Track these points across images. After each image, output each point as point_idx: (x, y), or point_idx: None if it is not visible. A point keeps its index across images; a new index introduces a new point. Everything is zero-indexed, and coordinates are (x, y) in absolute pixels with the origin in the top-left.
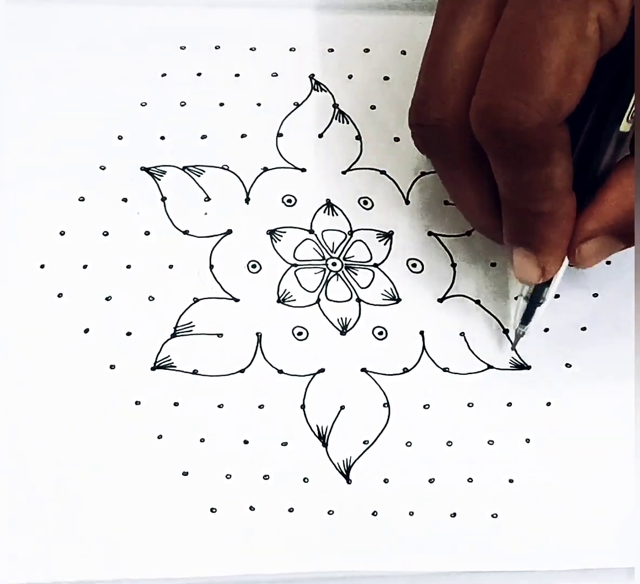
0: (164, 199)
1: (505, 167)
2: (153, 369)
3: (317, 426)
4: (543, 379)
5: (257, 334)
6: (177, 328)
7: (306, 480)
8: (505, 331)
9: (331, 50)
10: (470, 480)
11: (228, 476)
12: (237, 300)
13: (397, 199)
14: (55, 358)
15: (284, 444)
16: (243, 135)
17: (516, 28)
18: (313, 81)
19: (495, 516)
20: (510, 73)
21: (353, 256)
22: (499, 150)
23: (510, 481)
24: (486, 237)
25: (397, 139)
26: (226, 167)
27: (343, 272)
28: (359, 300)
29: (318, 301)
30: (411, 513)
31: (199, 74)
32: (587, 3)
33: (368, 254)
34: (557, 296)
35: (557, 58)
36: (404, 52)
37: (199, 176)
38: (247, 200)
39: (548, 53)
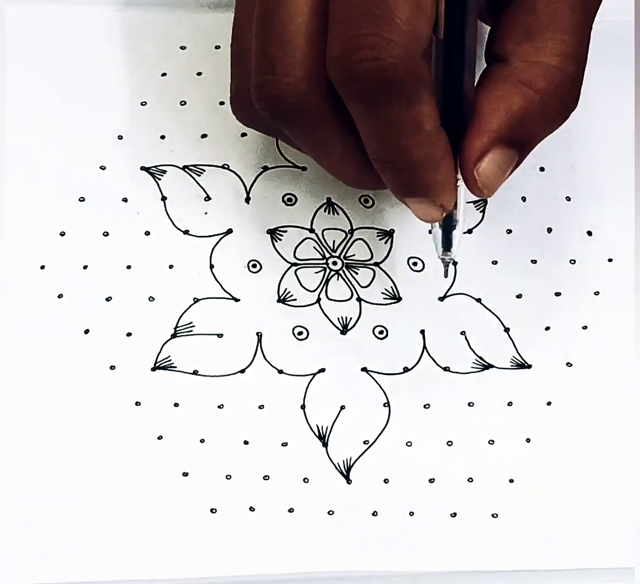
0: (164, 198)
1: (371, 115)
2: (153, 369)
3: (317, 426)
4: (544, 379)
5: (257, 334)
6: (178, 328)
7: (306, 480)
8: (507, 330)
9: None
10: (470, 480)
11: (228, 477)
12: (237, 300)
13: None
14: (55, 359)
15: (284, 444)
16: (243, 135)
17: None
18: None
19: (495, 515)
20: (360, 10)
21: (353, 255)
22: (363, 96)
23: (511, 480)
24: (369, 190)
25: None
26: (226, 167)
27: (343, 271)
28: (359, 299)
29: (318, 300)
30: (411, 513)
31: (199, 74)
32: None
33: (369, 253)
34: (558, 294)
35: None
36: None
37: (199, 175)
38: (248, 199)
39: None
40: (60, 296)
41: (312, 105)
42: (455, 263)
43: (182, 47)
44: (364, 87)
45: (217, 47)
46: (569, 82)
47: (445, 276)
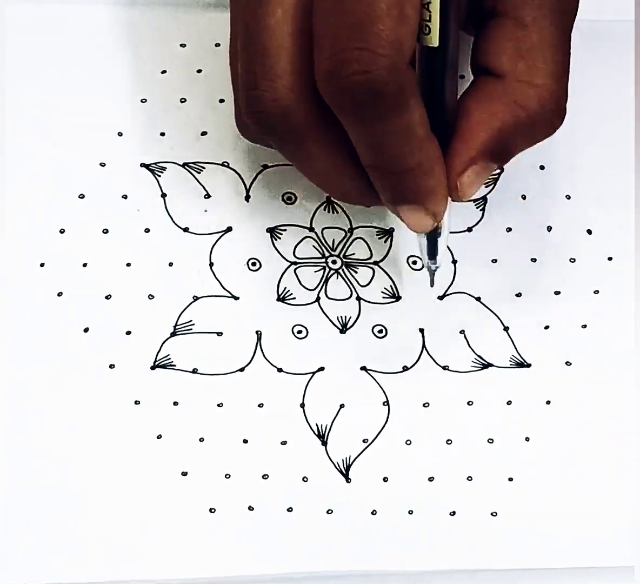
0: (163, 196)
1: (364, 126)
2: (153, 368)
3: (317, 424)
4: (543, 378)
5: (256, 332)
6: (177, 327)
7: (305, 479)
8: (506, 329)
9: None
10: (469, 478)
11: (227, 476)
12: (236, 298)
13: None
14: (54, 357)
15: (283, 443)
16: None
17: None
18: None
19: (494, 514)
20: (344, 24)
21: (353, 254)
22: (354, 108)
23: (510, 479)
24: (354, 204)
25: None
26: (226, 164)
27: (343, 270)
28: (358, 298)
29: (318, 299)
30: (411, 512)
31: (199, 71)
32: None
33: (368, 251)
34: (557, 293)
35: None
36: None
37: (199, 173)
38: (247, 197)
39: None
40: (59, 294)
41: (296, 119)
42: (453, 263)
43: (182, 45)
44: (355, 100)
45: (217, 45)
46: (557, 102)
47: (431, 285)
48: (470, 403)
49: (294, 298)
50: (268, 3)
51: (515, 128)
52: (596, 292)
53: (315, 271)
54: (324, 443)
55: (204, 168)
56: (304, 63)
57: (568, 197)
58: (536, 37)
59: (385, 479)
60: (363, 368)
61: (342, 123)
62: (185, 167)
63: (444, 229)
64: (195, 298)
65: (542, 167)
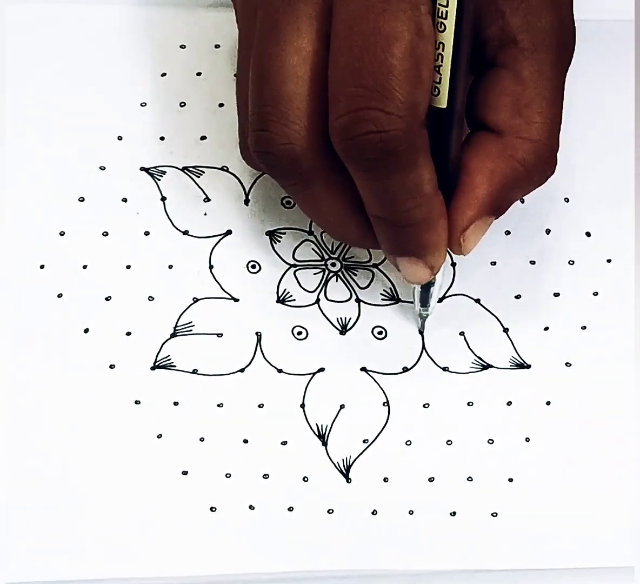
0: (163, 199)
1: (373, 180)
2: (153, 368)
3: (317, 425)
4: (543, 378)
5: (256, 333)
6: (177, 328)
7: (306, 479)
8: (506, 330)
9: None
10: (470, 479)
11: (228, 475)
12: (236, 300)
13: None
14: (55, 358)
15: (284, 443)
16: None
17: (355, 37)
18: None
19: (495, 515)
20: (361, 84)
21: (352, 257)
22: (366, 164)
23: (510, 480)
24: (353, 246)
25: None
26: (226, 169)
27: (342, 272)
28: (358, 300)
29: (317, 301)
30: (411, 512)
31: (198, 74)
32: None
33: (367, 254)
34: (556, 295)
35: (404, 59)
36: None
37: (198, 177)
38: (246, 201)
39: (395, 56)
40: (59, 296)
41: (305, 164)
42: (452, 266)
43: (182, 46)
44: (367, 158)
45: (217, 46)
46: (551, 155)
47: (421, 331)
48: (470, 404)
49: (294, 300)
50: (285, 43)
51: (513, 182)
52: (595, 294)
53: (315, 274)
54: (325, 443)
55: (203, 172)
56: (318, 110)
57: (566, 199)
58: (534, 93)
59: (385, 480)
60: (363, 369)
61: (353, 177)
62: (185, 171)
63: (437, 279)
64: (195, 300)
65: None
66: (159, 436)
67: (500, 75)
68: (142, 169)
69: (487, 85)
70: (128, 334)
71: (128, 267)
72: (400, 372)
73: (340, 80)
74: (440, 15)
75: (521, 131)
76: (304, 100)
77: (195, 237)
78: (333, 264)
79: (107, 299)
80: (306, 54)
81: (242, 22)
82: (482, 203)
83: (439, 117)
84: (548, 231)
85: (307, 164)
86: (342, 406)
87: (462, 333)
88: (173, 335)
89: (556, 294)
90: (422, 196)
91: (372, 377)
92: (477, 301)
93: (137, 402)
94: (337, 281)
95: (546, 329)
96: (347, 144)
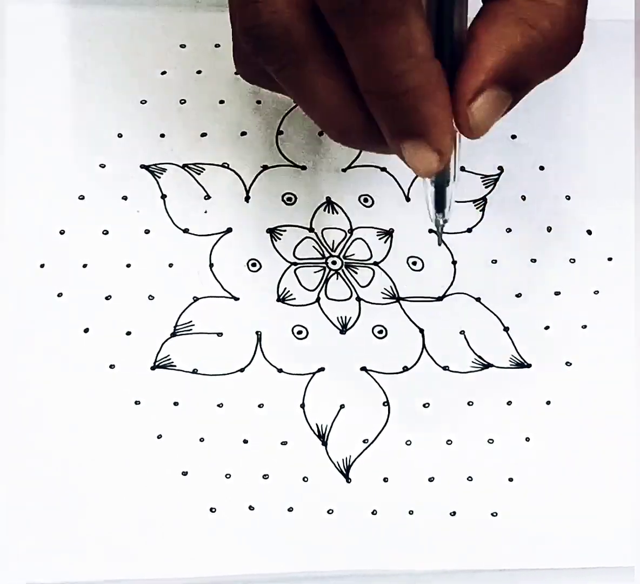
0: (163, 197)
1: (358, 37)
2: (153, 368)
3: (317, 425)
4: (543, 378)
5: (256, 333)
6: (177, 327)
7: (306, 479)
8: (506, 329)
9: None
10: (469, 479)
11: (228, 476)
12: (236, 299)
13: (397, 196)
14: (55, 357)
15: (284, 443)
16: (243, 133)
17: None
18: None
19: (495, 514)
20: None
21: (353, 255)
22: (347, 14)
23: (510, 479)
24: (355, 147)
25: None
26: (226, 165)
27: (343, 270)
28: (358, 299)
29: (318, 299)
30: (411, 512)
31: (198, 72)
32: None
33: (368, 252)
34: (557, 293)
35: None
36: None
37: (198, 174)
38: (247, 198)
39: None
40: (59, 295)
41: (296, 35)
42: (453, 264)
43: (182, 46)
44: (352, 8)
45: (217, 46)
46: (573, 24)
47: (439, 244)
48: (471, 403)
49: (294, 299)
50: None
51: (527, 49)
52: (596, 292)
53: (315, 272)
54: (324, 443)
55: (203, 169)
56: None
57: (568, 197)
58: None
59: (385, 480)
60: (363, 368)
61: (338, 39)
62: (185, 168)
63: (451, 176)
64: (195, 299)
65: (541, 168)
66: (159, 437)
67: None
68: (142, 166)
69: None
70: (128, 333)
71: (128, 265)
72: (401, 372)
73: None
74: None
75: None
76: None
77: (195, 235)
78: (334, 262)
79: (107, 298)
80: None
81: None
82: (491, 70)
83: None
84: (549, 229)
85: (299, 35)
86: (342, 406)
87: (462, 332)
88: (173, 334)
89: (557, 293)
90: (414, 57)
91: (372, 376)
92: (478, 299)
93: (137, 402)
94: (337, 279)
95: (547, 328)
96: None
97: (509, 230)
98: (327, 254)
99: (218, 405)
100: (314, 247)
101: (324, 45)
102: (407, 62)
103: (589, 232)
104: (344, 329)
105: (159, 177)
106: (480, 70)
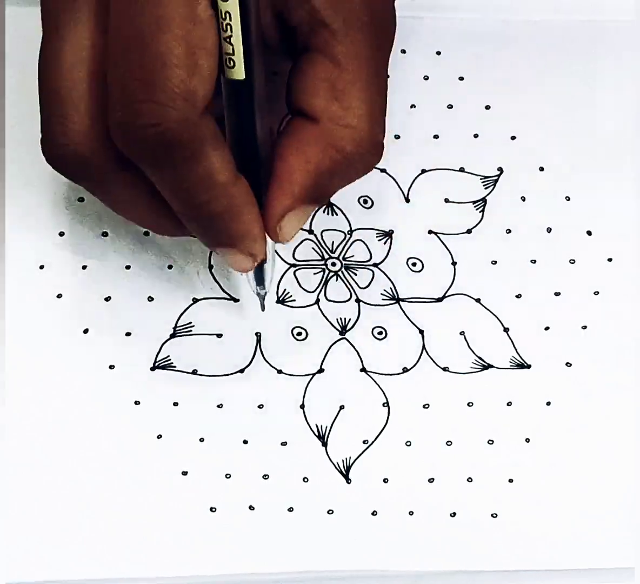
0: None
1: (161, 175)
2: (152, 369)
3: (317, 425)
4: (543, 379)
5: (256, 334)
6: (177, 328)
7: (306, 480)
8: (506, 330)
9: None
10: (470, 480)
11: (227, 476)
12: (236, 300)
13: (397, 198)
14: (54, 359)
15: (284, 443)
16: None
17: (126, 26)
18: None
19: (495, 515)
20: (133, 76)
21: (352, 256)
22: (149, 159)
23: (510, 480)
24: (175, 236)
25: (397, 137)
26: None
27: (342, 272)
28: (358, 300)
29: (317, 301)
30: (411, 513)
31: None
32: None
33: (367, 253)
34: (557, 294)
35: (175, 48)
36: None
37: None
38: None
39: (163, 45)
40: (59, 296)
41: (94, 165)
42: (452, 265)
43: None
44: (148, 152)
45: None
46: (373, 142)
47: (262, 309)
48: (471, 404)
49: (294, 300)
50: (63, 40)
51: (331, 171)
52: (596, 293)
53: (315, 273)
54: (324, 444)
55: None
56: (100, 107)
57: (568, 198)
58: (350, 77)
59: (385, 480)
60: (363, 369)
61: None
62: None
63: (269, 254)
64: (195, 300)
65: (541, 169)
66: (159, 437)
67: (315, 59)
68: None
69: (303, 70)
70: (128, 334)
71: (128, 267)
72: (400, 373)
73: (114, 74)
74: None
75: (338, 117)
76: (82, 99)
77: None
78: (333, 264)
79: (106, 299)
80: (85, 49)
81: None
82: (298, 192)
83: (239, 91)
84: (549, 230)
85: (97, 163)
86: (342, 407)
87: (462, 333)
88: (173, 335)
89: (557, 294)
90: (217, 187)
91: (371, 377)
92: (478, 300)
93: (136, 402)
94: (337, 280)
95: (547, 328)
96: (126, 140)
97: (508, 231)
98: (326, 256)
99: (218, 405)
100: (313, 248)
101: (123, 169)
102: (209, 192)
103: (589, 232)
104: (343, 330)
105: None
106: (289, 192)
